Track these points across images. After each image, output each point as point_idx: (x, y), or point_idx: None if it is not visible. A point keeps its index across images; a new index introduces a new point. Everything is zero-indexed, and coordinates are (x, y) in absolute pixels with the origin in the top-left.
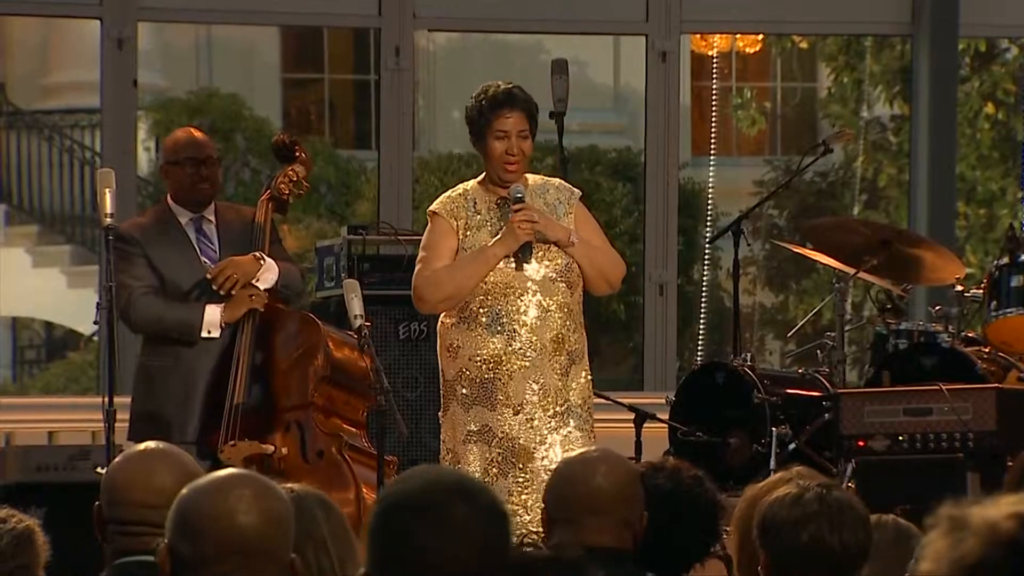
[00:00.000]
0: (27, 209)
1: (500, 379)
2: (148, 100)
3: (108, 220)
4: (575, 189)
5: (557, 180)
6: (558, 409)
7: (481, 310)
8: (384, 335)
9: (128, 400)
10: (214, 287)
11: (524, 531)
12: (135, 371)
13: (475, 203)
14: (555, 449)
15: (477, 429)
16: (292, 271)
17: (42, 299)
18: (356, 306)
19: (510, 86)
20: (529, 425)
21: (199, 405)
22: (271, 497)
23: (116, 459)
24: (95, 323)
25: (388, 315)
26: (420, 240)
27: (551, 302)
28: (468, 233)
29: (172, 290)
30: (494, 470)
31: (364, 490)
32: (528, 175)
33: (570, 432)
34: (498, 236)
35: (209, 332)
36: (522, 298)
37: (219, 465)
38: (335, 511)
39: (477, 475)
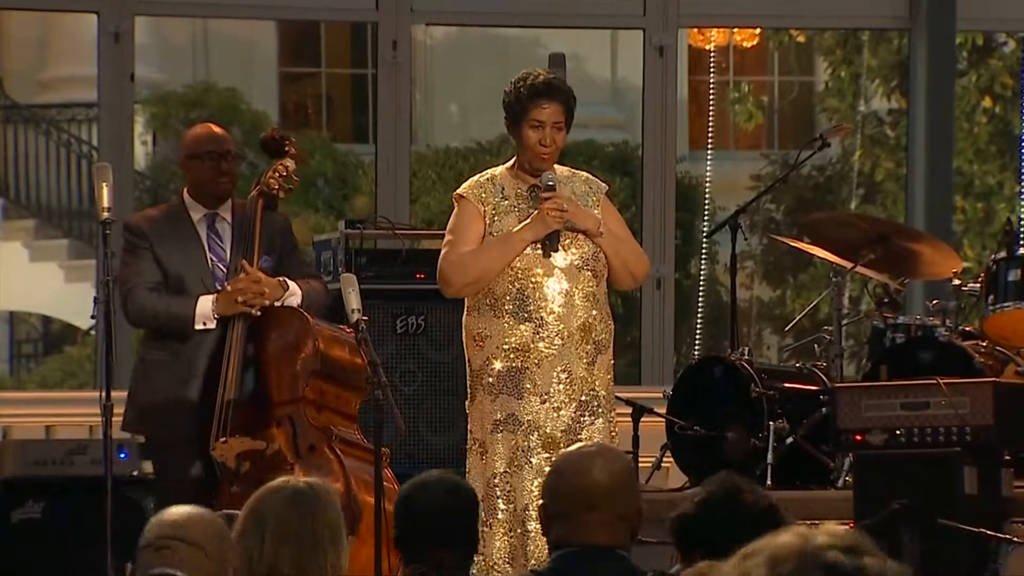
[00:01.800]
0: (24, 203)
1: (528, 368)
2: (145, 94)
3: (105, 214)
4: (602, 183)
5: (584, 173)
6: (584, 399)
7: (507, 297)
8: (381, 329)
9: (125, 394)
10: (230, 289)
11: None
12: (134, 363)
13: (503, 189)
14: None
15: (503, 418)
16: (317, 291)
17: (39, 293)
18: (353, 300)
19: (551, 76)
20: (556, 414)
21: (195, 400)
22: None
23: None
24: (92, 317)
25: (385, 309)
26: (417, 234)
27: (577, 290)
28: (496, 218)
29: (175, 286)
30: (520, 458)
31: (353, 483)
32: (556, 166)
33: (595, 424)
34: (526, 221)
35: (204, 324)
36: (548, 285)
37: (211, 461)
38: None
39: (504, 463)
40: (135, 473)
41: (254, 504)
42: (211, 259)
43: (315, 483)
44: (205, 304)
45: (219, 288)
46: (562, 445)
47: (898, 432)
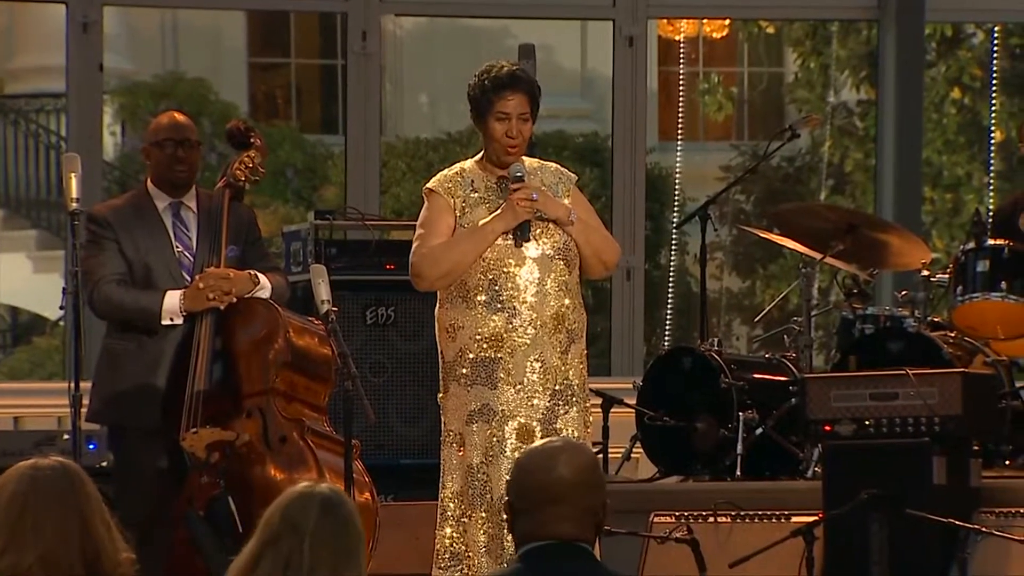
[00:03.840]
0: None
1: (502, 358)
2: (114, 84)
3: (74, 205)
4: (571, 173)
5: (554, 164)
6: (558, 388)
7: (479, 287)
8: (351, 320)
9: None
10: (201, 285)
11: None
12: (99, 353)
13: (472, 182)
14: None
15: (478, 408)
16: (282, 285)
17: (7, 284)
18: (323, 291)
19: (515, 67)
20: (530, 403)
21: (161, 390)
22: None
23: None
24: (61, 308)
25: (355, 300)
26: (387, 225)
27: (549, 279)
28: (466, 210)
29: (140, 275)
30: (496, 448)
31: (327, 475)
32: (525, 158)
33: (570, 414)
34: (497, 212)
35: (171, 320)
36: (520, 275)
37: (176, 452)
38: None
39: (480, 454)
40: (104, 464)
41: (285, 510)
42: (177, 248)
43: (339, 489)
44: (172, 299)
45: (186, 277)
46: (537, 434)
47: (867, 422)
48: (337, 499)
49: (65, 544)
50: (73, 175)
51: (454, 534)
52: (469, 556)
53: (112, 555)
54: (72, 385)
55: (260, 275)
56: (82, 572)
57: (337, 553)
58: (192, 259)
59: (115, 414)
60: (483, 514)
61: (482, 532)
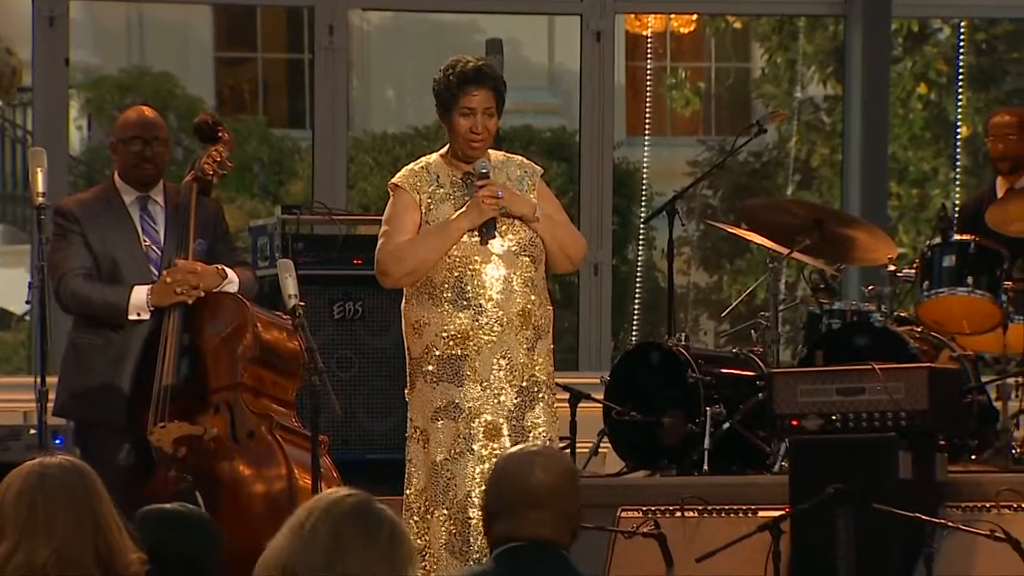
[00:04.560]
0: None
1: (468, 355)
2: (80, 78)
3: (40, 199)
4: (537, 167)
5: (519, 157)
6: (524, 385)
7: (445, 285)
8: (318, 315)
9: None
10: (168, 280)
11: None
12: (64, 347)
13: (438, 177)
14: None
15: (443, 405)
16: (249, 280)
17: None
18: (290, 286)
19: (480, 63)
20: (497, 400)
21: (127, 385)
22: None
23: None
24: (27, 303)
25: (322, 295)
26: (354, 219)
27: (515, 276)
28: (431, 206)
29: (107, 268)
30: (461, 445)
31: (295, 470)
32: (491, 151)
33: (536, 410)
34: (462, 209)
35: (138, 315)
36: (486, 272)
37: (142, 447)
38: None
39: (444, 451)
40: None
41: (320, 515)
42: (144, 242)
43: (370, 497)
44: (140, 294)
45: (153, 271)
46: (504, 432)
47: (834, 417)
48: (376, 508)
49: (79, 541)
50: (39, 169)
51: (417, 530)
52: (430, 552)
53: (124, 554)
54: (38, 380)
55: (228, 270)
56: (95, 571)
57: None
58: (160, 253)
59: (81, 409)
60: (445, 511)
61: (443, 529)
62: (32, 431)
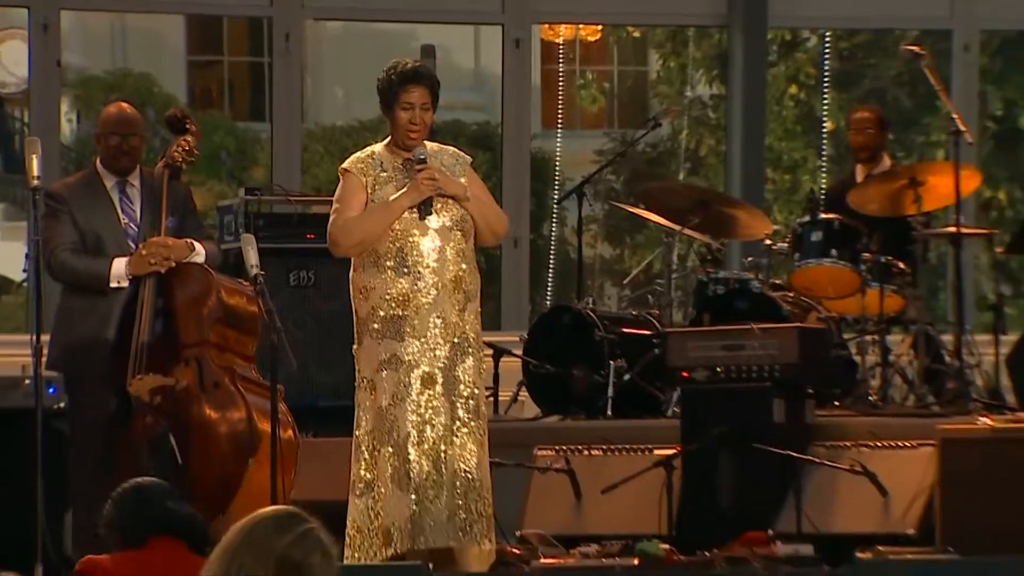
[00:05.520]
0: None
1: (408, 315)
2: (70, 78)
3: (35, 182)
4: (466, 155)
5: (452, 148)
6: (456, 340)
7: (388, 254)
8: (276, 282)
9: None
10: (143, 252)
11: (430, 447)
12: (56, 310)
13: (382, 163)
14: (457, 379)
15: (387, 358)
16: (214, 252)
17: None
18: (252, 257)
19: (417, 64)
20: (433, 354)
21: (109, 343)
22: None
23: None
24: (24, 271)
25: (280, 265)
26: (308, 200)
27: (449, 247)
28: (376, 188)
29: (92, 242)
30: (402, 392)
31: (255, 414)
32: (427, 142)
33: (466, 363)
34: (403, 190)
35: (118, 283)
36: (424, 243)
37: (124, 396)
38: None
39: (388, 397)
40: (62, 405)
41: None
42: (123, 220)
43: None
44: (119, 265)
45: (131, 244)
46: (438, 381)
47: (718, 369)
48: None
49: None
50: (34, 156)
51: (366, 466)
52: (378, 483)
53: None
54: (34, 337)
55: (195, 243)
56: None
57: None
58: (137, 229)
59: (70, 363)
60: (390, 448)
61: (388, 464)
62: (28, 381)
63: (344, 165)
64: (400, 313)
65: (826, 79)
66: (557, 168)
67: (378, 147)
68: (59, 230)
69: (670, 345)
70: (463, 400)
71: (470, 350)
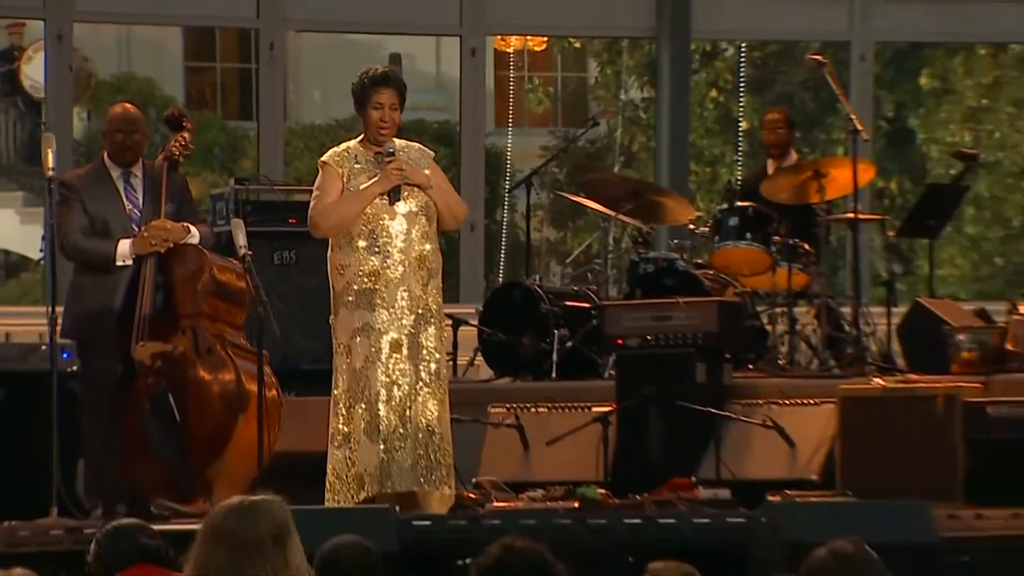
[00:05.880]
0: None
1: (378, 288)
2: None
3: (50, 173)
4: (429, 150)
5: (417, 144)
6: (420, 312)
7: (361, 236)
8: (263, 261)
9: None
10: (145, 234)
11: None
12: (68, 286)
13: (356, 156)
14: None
15: (360, 326)
16: (208, 234)
17: (1, 233)
18: (241, 239)
19: (386, 69)
20: (400, 323)
21: (115, 314)
22: None
23: None
24: (41, 251)
25: (266, 246)
26: (290, 189)
27: (415, 230)
28: (351, 178)
29: (100, 226)
30: (373, 356)
31: (243, 376)
32: (395, 138)
33: (429, 331)
34: (375, 179)
35: (124, 261)
36: (393, 226)
37: (130, 361)
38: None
39: (362, 360)
40: (75, 368)
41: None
42: (128, 206)
43: (260, 497)
44: (124, 246)
45: (134, 228)
46: (404, 346)
47: (649, 337)
48: (251, 504)
49: None
50: (50, 150)
51: (344, 420)
52: (353, 436)
53: None
54: (49, 309)
55: (191, 226)
56: None
57: (240, 551)
58: (139, 214)
59: (82, 331)
60: (363, 405)
61: (362, 419)
62: (44, 347)
63: (323, 158)
64: (372, 287)
65: (742, 84)
66: (508, 161)
67: (352, 143)
68: (71, 216)
69: (607, 316)
70: (426, 363)
71: (432, 320)
